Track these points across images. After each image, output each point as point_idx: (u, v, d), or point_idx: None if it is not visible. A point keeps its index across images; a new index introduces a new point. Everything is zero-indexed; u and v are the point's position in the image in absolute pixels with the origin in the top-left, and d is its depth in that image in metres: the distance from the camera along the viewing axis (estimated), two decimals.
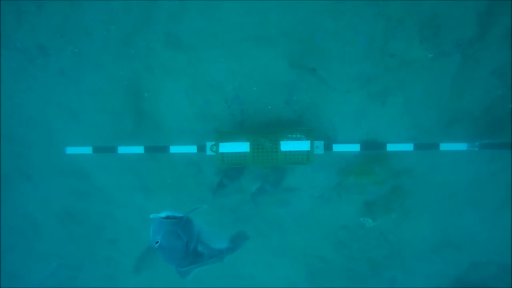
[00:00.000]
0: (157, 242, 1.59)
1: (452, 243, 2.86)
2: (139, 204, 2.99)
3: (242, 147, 2.44)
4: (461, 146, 2.49)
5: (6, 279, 3.23)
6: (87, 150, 2.68)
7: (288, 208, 2.90)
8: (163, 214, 1.64)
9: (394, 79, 2.45)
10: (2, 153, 2.88)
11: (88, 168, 2.89)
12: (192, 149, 2.63)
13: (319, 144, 2.56)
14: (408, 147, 2.53)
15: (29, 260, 3.20)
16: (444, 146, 2.51)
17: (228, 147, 2.44)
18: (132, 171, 2.87)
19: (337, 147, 2.57)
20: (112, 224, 3.10)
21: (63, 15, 2.50)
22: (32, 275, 3.25)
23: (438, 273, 2.96)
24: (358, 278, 3.03)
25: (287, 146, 2.43)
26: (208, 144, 2.58)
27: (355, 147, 2.58)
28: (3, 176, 2.95)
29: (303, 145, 2.41)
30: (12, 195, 3.00)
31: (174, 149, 2.65)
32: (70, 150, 2.71)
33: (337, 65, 2.46)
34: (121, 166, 2.86)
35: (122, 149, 2.67)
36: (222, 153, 2.45)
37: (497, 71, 2.36)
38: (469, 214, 2.77)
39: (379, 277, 3.02)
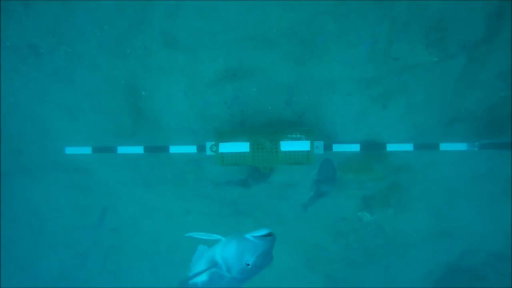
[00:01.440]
0: (248, 264, 1.46)
1: (447, 232, 2.96)
2: (140, 197, 3.03)
3: (242, 147, 2.43)
4: (461, 146, 2.49)
5: (17, 267, 3.34)
6: (87, 150, 2.67)
7: (287, 201, 2.95)
8: (263, 232, 1.49)
9: (397, 82, 2.40)
10: (4, 150, 2.89)
11: (89, 164, 2.90)
12: (191, 149, 2.62)
13: (319, 144, 2.54)
14: (408, 147, 2.53)
15: (37, 250, 3.29)
16: (444, 146, 2.50)
17: (228, 147, 2.42)
18: (132, 167, 2.89)
19: (337, 147, 2.57)
20: (114, 216, 3.16)
21: (52, 15, 2.40)
22: (41, 262, 3.36)
23: (431, 260, 3.08)
24: (355, 265, 3.16)
25: (287, 146, 2.41)
26: (208, 144, 2.57)
27: (355, 147, 2.57)
28: (6, 172, 2.96)
29: (303, 145, 2.40)
30: (17, 190, 3.03)
31: (173, 149, 2.64)
32: (70, 150, 2.69)
33: (338, 67, 2.40)
34: (122, 162, 2.87)
35: (122, 149, 2.65)
36: (222, 153, 2.44)
37: (503, 74, 2.30)
38: (464, 206, 2.84)
39: (374, 264, 3.14)
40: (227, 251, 1.55)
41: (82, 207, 3.10)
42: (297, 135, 2.45)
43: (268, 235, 1.48)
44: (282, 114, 2.58)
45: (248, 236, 1.51)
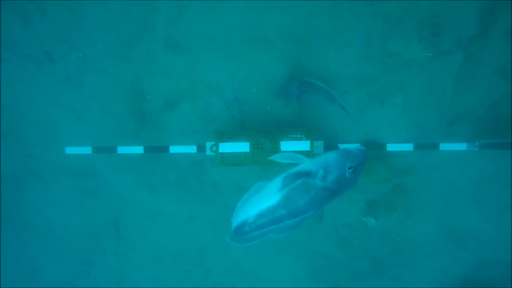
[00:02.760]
0: (350, 168, 1.50)
1: (458, 241, 2.83)
2: (145, 202, 3.06)
3: (242, 147, 2.46)
4: (461, 146, 2.44)
5: (24, 273, 3.37)
6: (87, 150, 2.74)
7: None
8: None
9: (393, 79, 2.43)
10: (14, 154, 3.00)
11: (94, 167, 2.97)
12: (191, 149, 2.66)
13: (319, 144, 2.55)
14: (408, 147, 2.50)
15: (44, 255, 3.33)
16: (444, 146, 2.46)
17: (228, 147, 2.46)
18: (137, 171, 2.94)
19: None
20: (120, 221, 3.18)
21: (66, 22, 2.58)
22: (48, 269, 3.39)
23: (444, 271, 2.94)
24: (362, 276, 3.03)
25: (287, 146, 2.43)
26: (208, 144, 2.61)
27: None
28: (16, 175, 3.08)
29: (303, 145, 2.41)
30: (26, 194, 3.11)
31: (173, 149, 2.68)
32: (69, 150, 2.77)
33: (335, 66, 2.46)
34: (126, 166, 2.93)
35: (122, 149, 2.71)
36: (222, 153, 2.47)
37: (500, 69, 2.30)
38: (474, 212, 2.73)
39: (383, 275, 3.01)
40: (327, 157, 1.55)
41: (88, 212, 3.14)
42: (297, 135, 2.47)
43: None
44: (282, 114, 2.62)
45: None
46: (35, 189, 3.08)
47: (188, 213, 3.06)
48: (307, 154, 2.39)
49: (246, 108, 2.63)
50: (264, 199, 1.60)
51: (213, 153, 2.55)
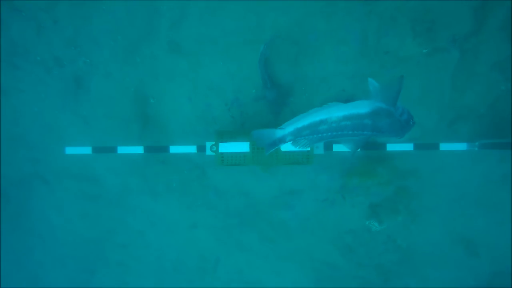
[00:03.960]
0: (413, 122, 1.76)
1: (466, 247, 2.75)
2: (147, 207, 3.06)
3: (242, 147, 2.46)
4: (461, 146, 2.41)
5: (25, 278, 3.37)
6: (87, 150, 2.78)
7: (292, 211, 2.88)
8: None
9: (390, 76, 2.45)
10: (21, 158, 3.07)
11: (97, 171, 3.01)
12: (191, 149, 2.68)
13: (319, 144, 2.54)
14: (408, 147, 2.48)
15: (45, 262, 3.32)
16: (444, 146, 2.43)
17: (228, 147, 2.46)
18: (139, 175, 2.97)
19: (337, 147, 2.56)
20: (122, 228, 3.17)
21: (75, 28, 2.71)
22: (49, 276, 3.37)
23: (456, 281, 2.81)
24: (368, 285, 2.92)
25: (287, 146, 2.43)
26: (208, 144, 2.63)
27: None
28: (24, 180, 3.13)
29: None
30: (30, 198, 3.16)
31: (173, 149, 2.71)
32: (70, 150, 2.82)
33: (332, 64, 2.50)
34: (128, 170, 2.97)
35: (122, 149, 2.74)
36: (222, 153, 2.47)
37: (498, 65, 2.31)
38: (481, 216, 2.67)
39: (391, 285, 2.90)
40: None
41: (91, 218, 3.15)
42: None
43: None
44: (281, 114, 2.64)
45: None
46: (41, 193, 3.12)
47: (191, 219, 3.05)
48: (308, 154, 2.39)
49: (246, 108, 2.67)
50: (352, 108, 1.77)
51: (213, 153, 2.55)
